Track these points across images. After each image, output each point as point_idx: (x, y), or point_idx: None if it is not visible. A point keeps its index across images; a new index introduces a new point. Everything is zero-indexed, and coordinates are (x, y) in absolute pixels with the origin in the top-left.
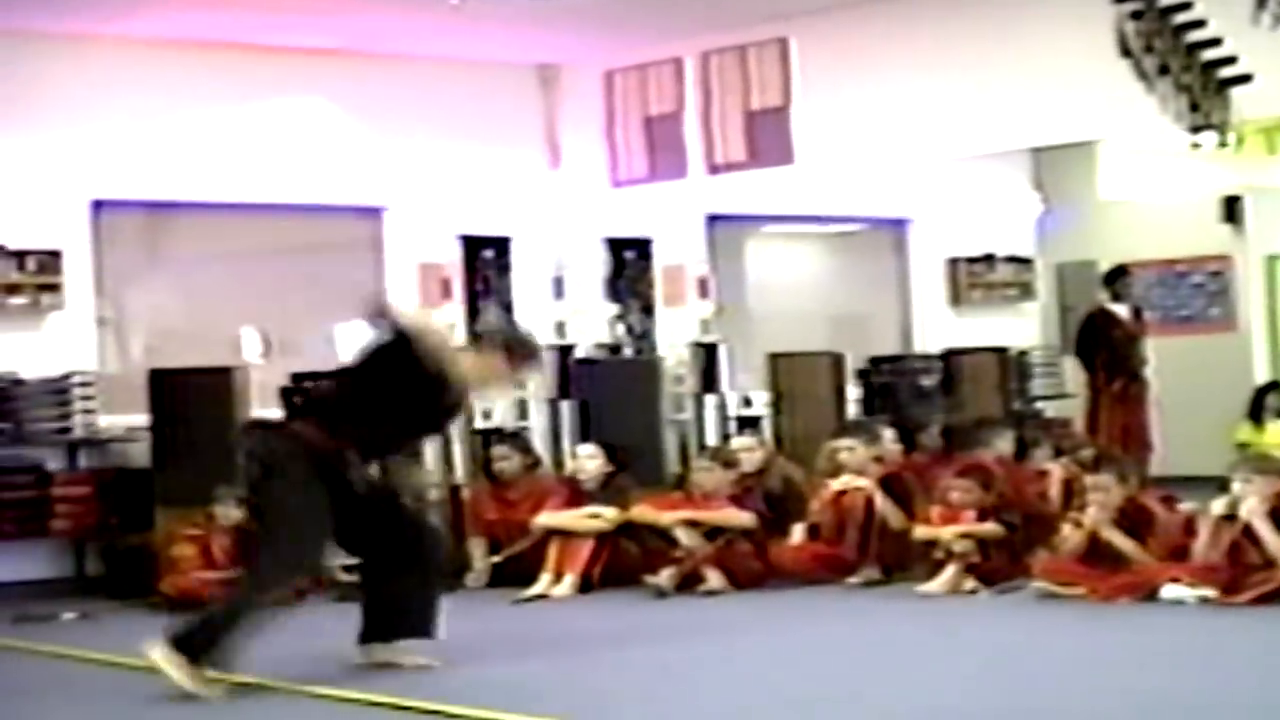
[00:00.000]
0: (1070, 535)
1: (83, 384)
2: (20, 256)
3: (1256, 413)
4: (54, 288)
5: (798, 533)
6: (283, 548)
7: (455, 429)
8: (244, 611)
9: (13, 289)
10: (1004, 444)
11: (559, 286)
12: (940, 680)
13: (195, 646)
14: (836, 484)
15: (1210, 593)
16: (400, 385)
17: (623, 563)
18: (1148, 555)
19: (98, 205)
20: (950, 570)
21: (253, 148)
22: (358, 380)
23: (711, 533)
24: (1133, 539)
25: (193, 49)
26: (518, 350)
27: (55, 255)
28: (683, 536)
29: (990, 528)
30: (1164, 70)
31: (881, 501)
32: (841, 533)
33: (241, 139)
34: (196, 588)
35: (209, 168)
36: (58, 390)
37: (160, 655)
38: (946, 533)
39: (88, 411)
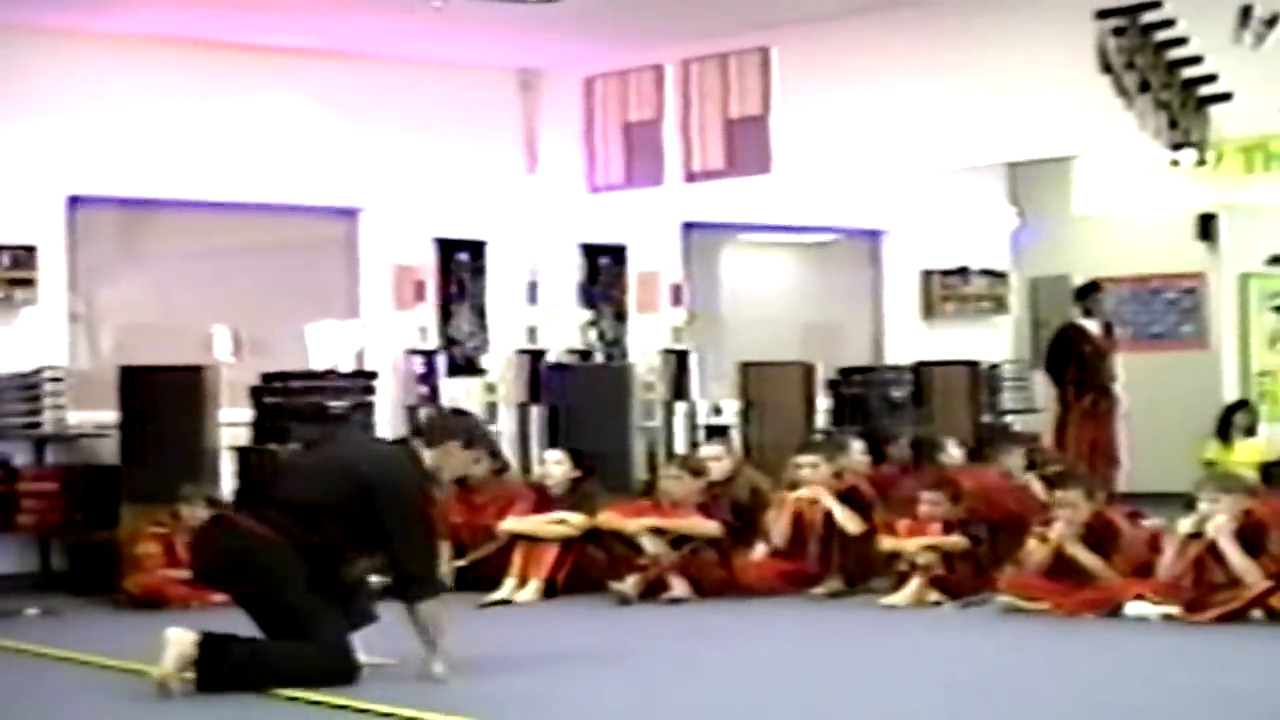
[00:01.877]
0: (1036, 550)
1: (53, 379)
2: None
3: (1225, 431)
4: (28, 283)
5: (760, 549)
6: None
7: None
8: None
9: None
10: (1012, 460)
11: (533, 291)
12: (901, 693)
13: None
14: (793, 496)
15: (1174, 610)
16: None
17: (588, 569)
18: (1113, 571)
19: (74, 201)
20: (914, 582)
21: (230, 146)
22: (331, 513)
23: (677, 540)
24: (1098, 555)
25: (173, 45)
26: (477, 439)
27: (30, 250)
28: (648, 544)
29: (955, 540)
30: (1144, 87)
31: (839, 510)
32: (803, 546)
33: (219, 137)
34: (161, 585)
35: (186, 165)
36: (27, 385)
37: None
38: (911, 545)
39: (57, 407)
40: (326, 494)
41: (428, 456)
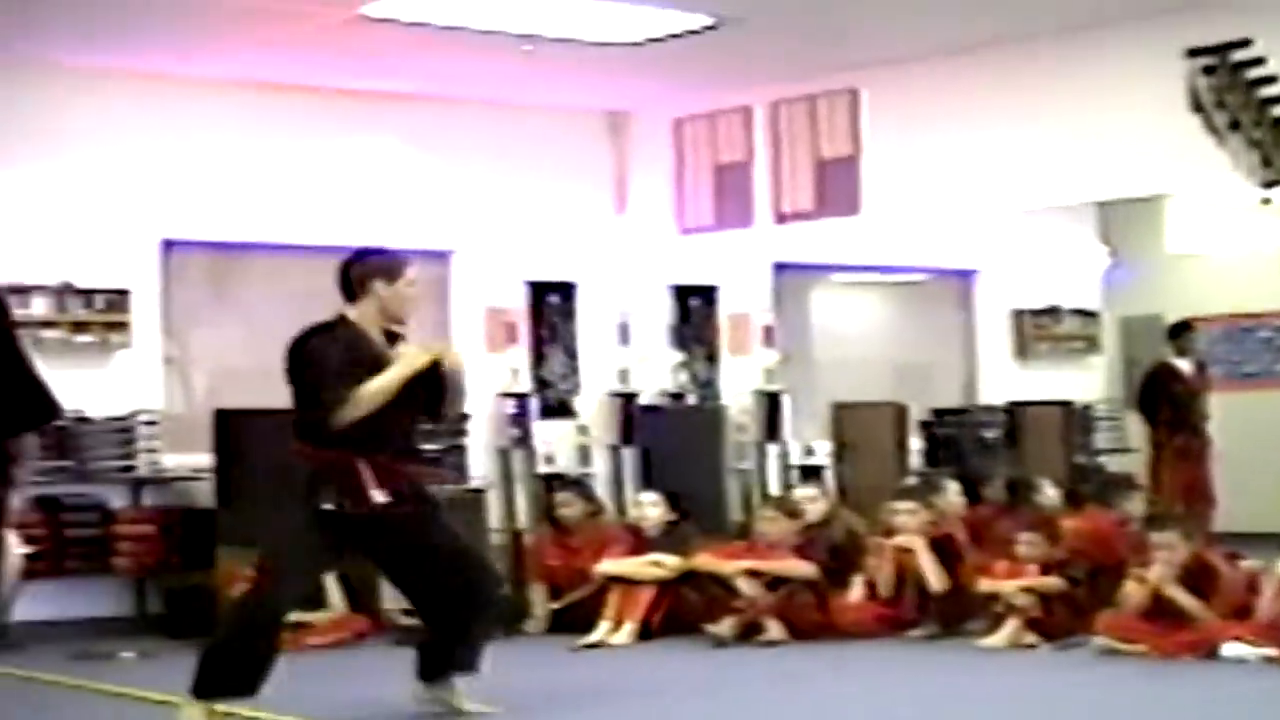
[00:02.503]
0: (1134, 592)
1: (148, 423)
2: (89, 295)
3: None
4: (121, 326)
5: (857, 586)
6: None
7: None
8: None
9: (81, 327)
10: (1132, 505)
11: (624, 333)
12: None
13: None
14: (891, 542)
15: (1273, 652)
16: None
17: (683, 611)
18: (1210, 613)
19: (167, 245)
20: (1011, 624)
21: (322, 190)
22: None
23: (773, 583)
24: (1196, 596)
25: (264, 90)
26: (398, 271)
27: (124, 294)
28: (744, 586)
29: (1052, 582)
30: (1235, 125)
31: (928, 564)
32: (900, 590)
33: (311, 181)
34: None
35: (278, 209)
36: (123, 429)
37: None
38: (1008, 586)
39: (152, 450)
40: None
41: (364, 309)
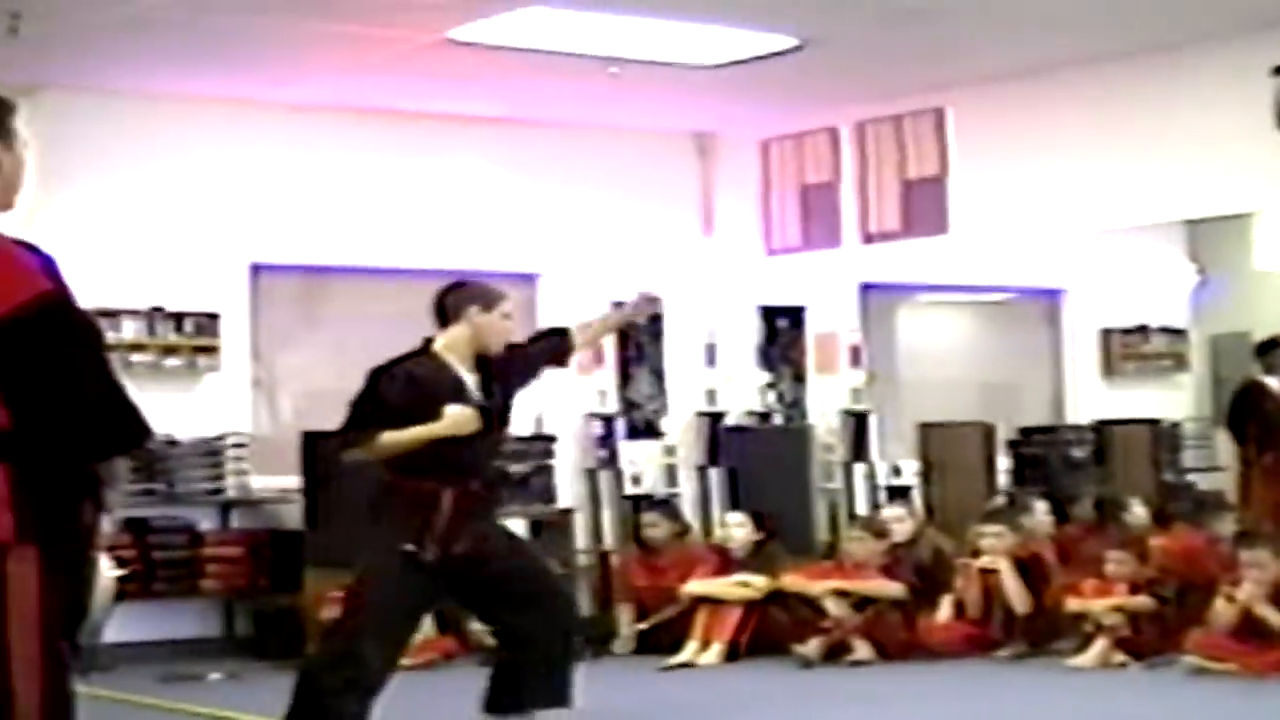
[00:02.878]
0: (1224, 610)
1: (236, 445)
2: (179, 318)
3: None
4: (210, 350)
5: (945, 607)
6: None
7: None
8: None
9: (170, 350)
10: (1223, 525)
11: (711, 354)
12: None
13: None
14: (977, 563)
15: None
16: None
17: (771, 631)
18: None
19: (256, 268)
20: (1100, 644)
21: (409, 213)
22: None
23: (861, 603)
24: None
25: (352, 114)
26: (494, 299)
27: (213, 318)
28: (832, 606)
29: (1142, 601)
30: None
31: (1013, 585)
32: (989, 611)
33: (398, 204)
34: None
35: (365, 232)
36: (211, 451)
37: None
38: (1097, 605)
39: (240, 472)
40: None
41: (456, 333)
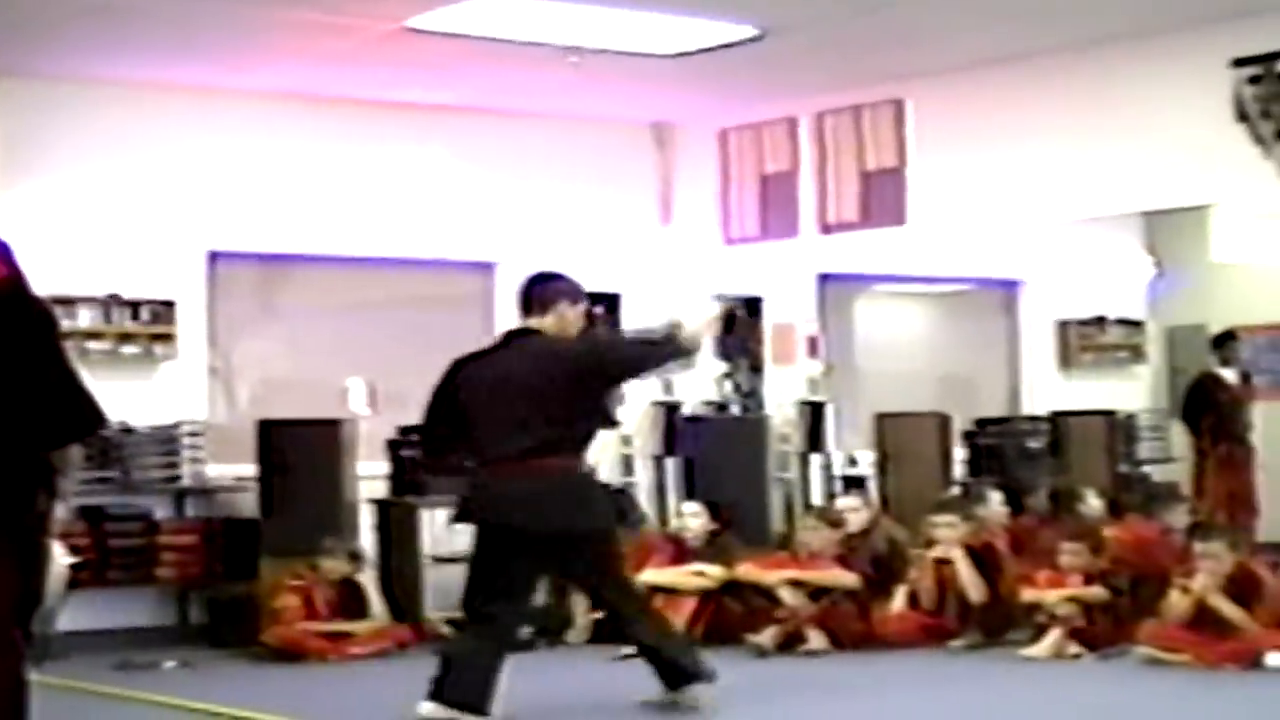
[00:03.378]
0: (1178, 602)
1: (192, 433)
2: (135, 306)
3: None
4: (167, 337)
5: (899, 597)
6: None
7: None
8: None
9: (127, 338)
10: (1175, 516)
11: None
12: None
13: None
14: (931, 554)
15: None
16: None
17: (725, 621)
18: (1254, 623)
19: (213, 256)
20: (1054, 634)
21: (367, 202)
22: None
23: (815, 593)
24: (1239, 606)
25: (310, 102)
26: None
27: (170, 305)
28: (786, 596)
29: (1096, 592)
30: None
31: (967, 575)
32: (943, 601)
33: (357, 193)
34: (299, 638)
35: (323, 221)
36: (167, 439)
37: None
38: (1051, 596)
39: (196, 461)
40: None
41: (546, 323)
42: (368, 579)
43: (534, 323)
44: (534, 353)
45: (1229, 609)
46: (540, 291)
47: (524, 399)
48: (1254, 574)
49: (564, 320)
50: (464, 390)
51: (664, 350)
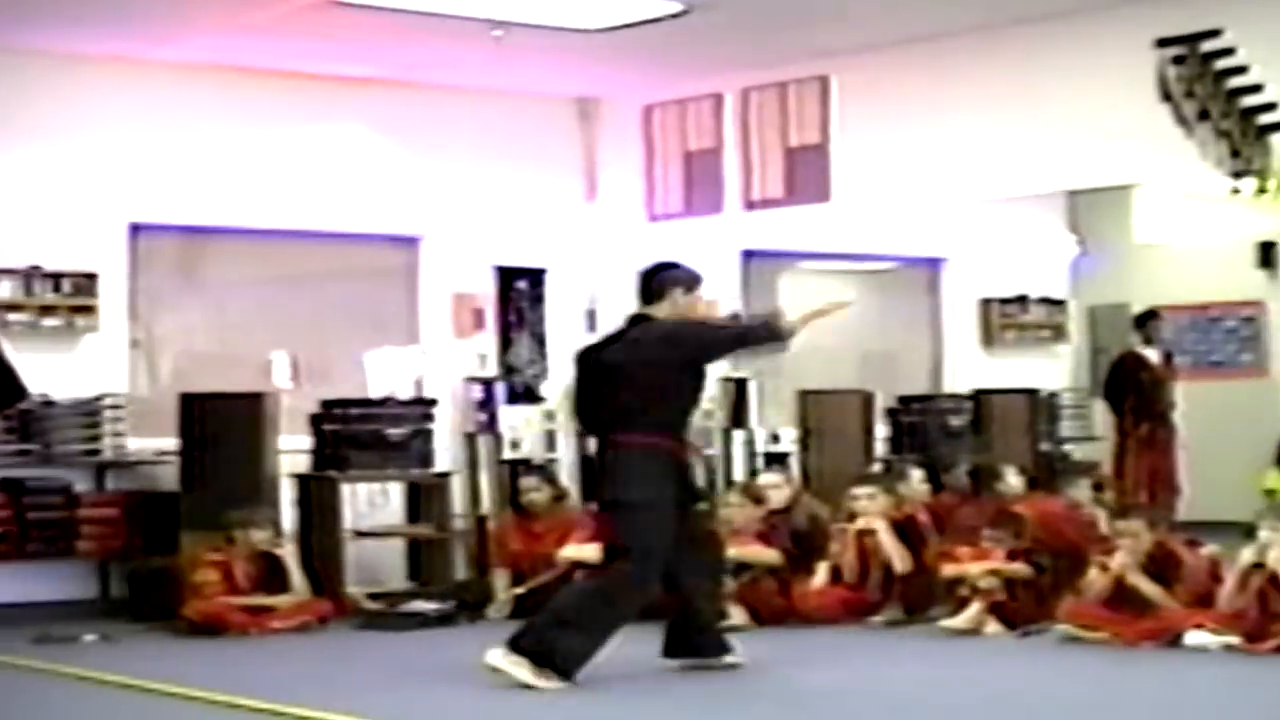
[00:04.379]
0: (1097, 579)
1: (113, 406)
2: (56, 278)
3: None
4: (88, 310)
5: (821, 572)
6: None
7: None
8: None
9: (48, 310)
10: (1079, 491)
11: (592, 319)
12: None
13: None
14: (854, 526)
15: (1234, 640)
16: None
17: None
18: (1173, 601)
19: (135, 228)
20: (974, 607)
21: (291, 174)
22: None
23: (737, 569)
24: (1159, 584)
25: (233, 74)
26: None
27: (91, 278)
28: None
29: (1018, 567)
30: (1204, 115)
31: (890, 545)
32: (865, 575)
33: (280, 165)
34: (220, 612)
35: (246, 193)
36: (88, 412)
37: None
38: (974, 569)
39: (117, 434)
40: None
41: (661, 309)
42: (288, 553)
43: (650, 310)
44: (635, 337)
45: (1148, 587)
46: (654, 280)
47: (624, 382)
48: (1174, 552)
49: (678, 307)
50: (591, 376)
51: (756, 334)
